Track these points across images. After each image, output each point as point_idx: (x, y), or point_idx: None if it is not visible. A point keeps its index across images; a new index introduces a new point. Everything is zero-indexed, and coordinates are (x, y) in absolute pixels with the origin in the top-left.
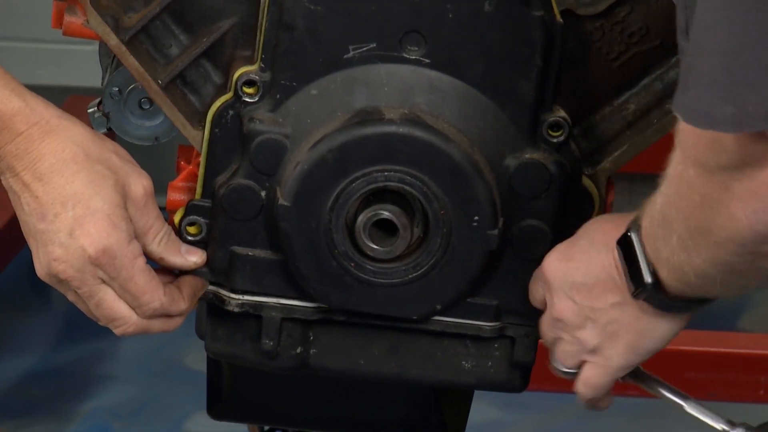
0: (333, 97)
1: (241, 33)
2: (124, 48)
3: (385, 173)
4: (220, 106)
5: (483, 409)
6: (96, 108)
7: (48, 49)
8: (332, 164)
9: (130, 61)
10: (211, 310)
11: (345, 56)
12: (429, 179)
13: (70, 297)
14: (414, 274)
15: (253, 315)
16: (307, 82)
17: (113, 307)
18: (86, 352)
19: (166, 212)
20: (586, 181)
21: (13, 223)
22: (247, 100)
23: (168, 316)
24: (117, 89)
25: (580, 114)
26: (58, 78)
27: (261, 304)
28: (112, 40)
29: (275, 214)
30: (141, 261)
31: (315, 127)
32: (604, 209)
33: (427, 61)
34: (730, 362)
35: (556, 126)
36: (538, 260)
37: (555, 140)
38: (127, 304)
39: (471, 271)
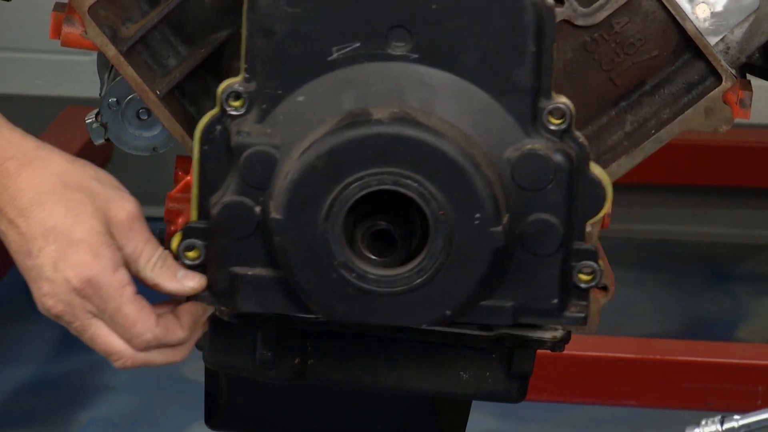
0: (321, 101)
1: (238, 43)
2: (122, 58)
3: (379, 176)
4: (207, 122)
5: (481, 418)
6: (94, 118)
7: (46, 59)
8: (323, 171)
9: (128, 72)
10: (210, 321)
11: (329, 58)
12: (424, 179)
13: (72, 331)
14: (419, 280)
15: (251, 326)
16: (293, 88)
17: (107, 342)
18: (84, 362)
19: (165, 222)
20: (596, 169)
21: None
22: (234, 113)
23: (169, 346)
24: (115, 100)
25: (577, 124)
26: (56, 88)
27: (259, 315)
28: (110, 51)
29: (270, 229)
30: (129, 290)
31: (305, 135)
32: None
33: (415, 56)
34: (727, 372)
35: (557, 112)
36: (551, 255)
37: (557, 128)
38: (120, 336)
39: (478, 271)
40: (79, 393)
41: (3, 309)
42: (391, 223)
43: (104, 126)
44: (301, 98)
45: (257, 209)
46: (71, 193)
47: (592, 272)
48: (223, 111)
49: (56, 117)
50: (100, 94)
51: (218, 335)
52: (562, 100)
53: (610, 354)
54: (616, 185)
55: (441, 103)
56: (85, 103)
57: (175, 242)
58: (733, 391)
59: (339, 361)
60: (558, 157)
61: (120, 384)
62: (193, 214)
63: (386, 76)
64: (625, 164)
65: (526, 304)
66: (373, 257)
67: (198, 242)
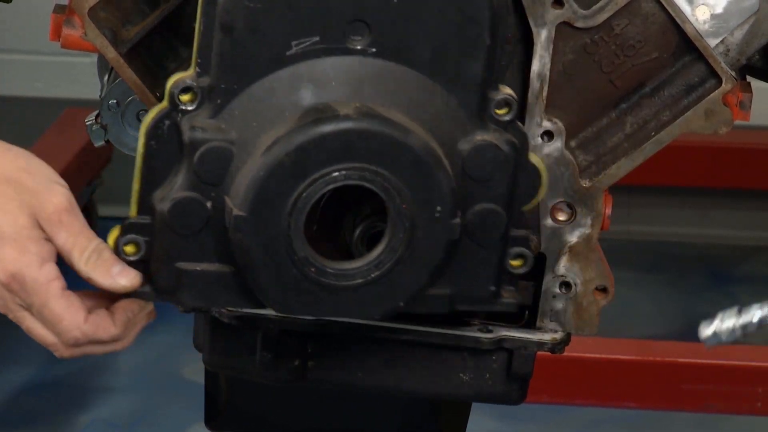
0: (278, 96)
1: None
2: (121, 61)
3: (344, 172)
4: (154, 116)
5: (481, 420)
6: (94, 120)
7: (46, 61)
8: (290, 168)
9: (128, 74)
10: (209, 323)
11: (288, 53)
12: (390, 174)
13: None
14: (376, 273)
15: (251, 327)
16: (250, 83)
17: (40, 335)
18: (84, 364)
19: None
20: (533, 158)
21: None
22: (185, 108)
23: (103, 343)
24: (115, 101)
25: (578, 126)
26: (56, 90)
27: (259, 317)
28: (110, 53)
29: (228, 225)
30: (56, 285)
31: (263, 130)
32: (602, 221)
33: (373, 50)
34: (727, 374)
35: (504, 104)
36: (495, 244)
37: (503, 118)
38: (49, 330)
39: (433, 263)
40: (79, 394)
41: None
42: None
43: (104, 128)
44: (258, 93)
45: (209, 204)
46: None
47: (524, 258)
48: (173, 105)
49: (56, 119)
50: (100, 96)
51: (218, 337)
52: (508, 91)
53: (610, 355)
54: (616, 187)
55: (399, 96)
56: (85, 105)
57: (112, 237)
58: (733, 393)
59: (339, 362)
60: (507, 148)
61: (120, 385)
62: (133, 209)
63: (345, 71)
64: (625, 166)
65: (463, 292)
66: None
67: (139, 238)
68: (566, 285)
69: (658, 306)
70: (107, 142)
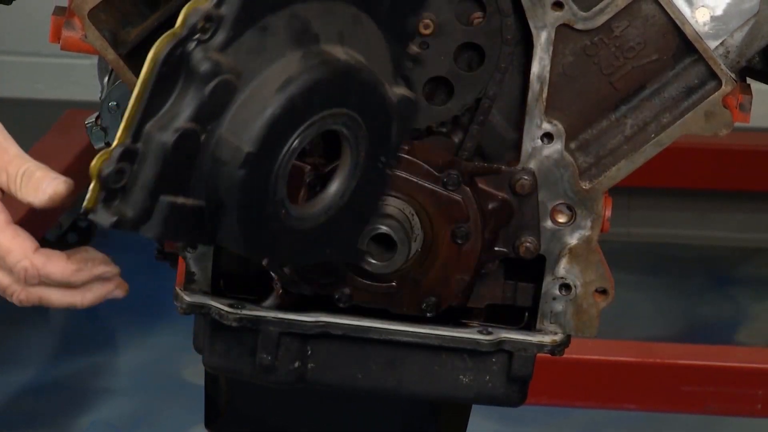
0: (279, 35)
1: None
2: (121, 62)
3: (334, 116)
4: (169, 41)
5: (480, 422)
6: (94, 122)
7: (46, 63)
8: (299, 108)
9: (128, 76)
10: (209, 325)
11: None
12: (363, 121)
13: None
14: (324, 219)
15: (251, 329)
16: (258, 18)
17: None
18: (84, 365)
19: None
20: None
21: None
22: (202, 37)
23: (62, 286)
24: (115, 103)
25: (577, 128)
26: (57, 92)
27: (259, 319)
28: (110, 55)
29: (226, 160)
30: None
31: (266, 67)
32: (603, 223)
33: None
34: (727, 376)
35: (412, 60)
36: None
37: (406, 73)
38: (1, 270)
39: (370, 212)
40: (79, 396)
41: (4, 312)
42: (392, 228)
43: (104, 129)
44: (263, 29)
45: (203, 138)
46: None
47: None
48: (190, 33)
49: (56, 120)
50: (100, 98)
51: (217, 339)
52: (416, 50)
53: (610, 357)
54: (617, 189)
55: (363, 43)
56: (85, 107)
57: (98, 162)
58: (733, 395)
59: (338, 365)
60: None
61: (120, 387)
62: (124, 135)
63: (329, 14)
64: (625, 168)
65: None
66: (373, 261)
67: (127, 166)
68: (566, 287)
69: (658, 308)
70: (107, 144)
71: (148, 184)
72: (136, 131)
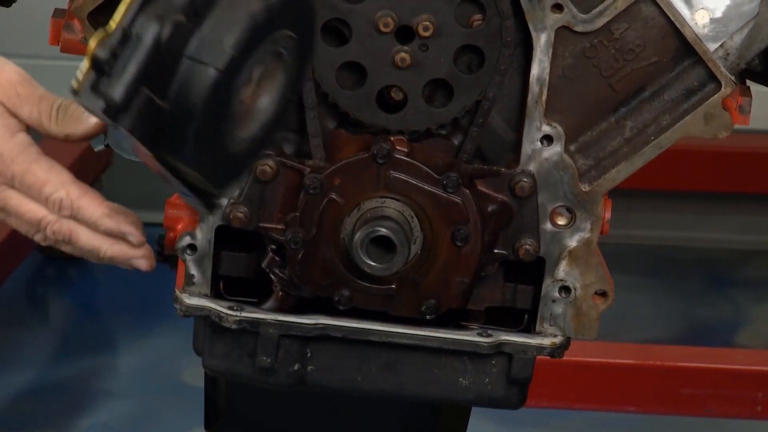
0: None
1: None
2: None
3: (284, 38)
4: None
5: (480, 424)
6: None
7: (46, 65)
8: (275, 18)
9: None
10: (209, 327)
11: None
12: (299, 42)
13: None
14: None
15: (250, 332)
16: None
17: (26, 212)
18: (84, 367)
19: (164, 228)
20: None
21: (10, 238)
22: None
23: (91, 225)
24: None
25: (577, 131)
26: (56, 94)
27: (258, 321)
28: None
29: (209, 63)
30: (33, 150)
31: None
32: (602, 225)
33: None
34: (727, 378)
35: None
36: None
37: None
38: (36, 201)
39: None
40: (79, 398)
41: (4, 314)
42: (391, 230)
43: (104, 132)
44: None
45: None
46: None
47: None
48: None
49: None
50: None
51: (217, 341)
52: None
53: (610, 360)
54: (616, 191)
55: None
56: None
57: (95, 43)
58: (733, 397)
59: (338, 367)
60: None
61: (120, 389)
62: (124, 18)
63: None
64: (624, 170)
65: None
66: (373, 263)
67: (119, 50)
68: (566, 289)
69: (658, 310)
70: (107, 146)
71: (137, 70)
72: (135, 15)
